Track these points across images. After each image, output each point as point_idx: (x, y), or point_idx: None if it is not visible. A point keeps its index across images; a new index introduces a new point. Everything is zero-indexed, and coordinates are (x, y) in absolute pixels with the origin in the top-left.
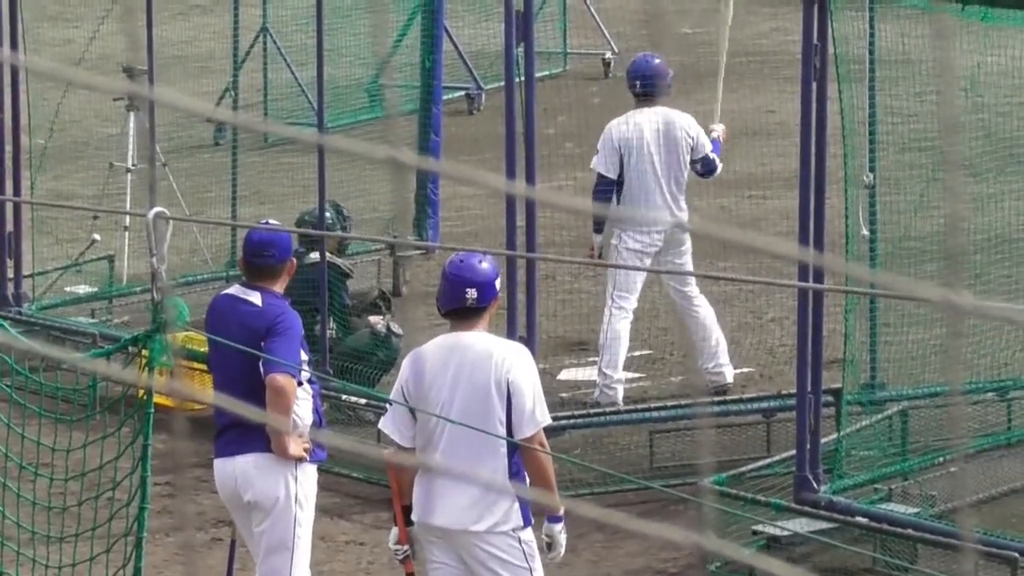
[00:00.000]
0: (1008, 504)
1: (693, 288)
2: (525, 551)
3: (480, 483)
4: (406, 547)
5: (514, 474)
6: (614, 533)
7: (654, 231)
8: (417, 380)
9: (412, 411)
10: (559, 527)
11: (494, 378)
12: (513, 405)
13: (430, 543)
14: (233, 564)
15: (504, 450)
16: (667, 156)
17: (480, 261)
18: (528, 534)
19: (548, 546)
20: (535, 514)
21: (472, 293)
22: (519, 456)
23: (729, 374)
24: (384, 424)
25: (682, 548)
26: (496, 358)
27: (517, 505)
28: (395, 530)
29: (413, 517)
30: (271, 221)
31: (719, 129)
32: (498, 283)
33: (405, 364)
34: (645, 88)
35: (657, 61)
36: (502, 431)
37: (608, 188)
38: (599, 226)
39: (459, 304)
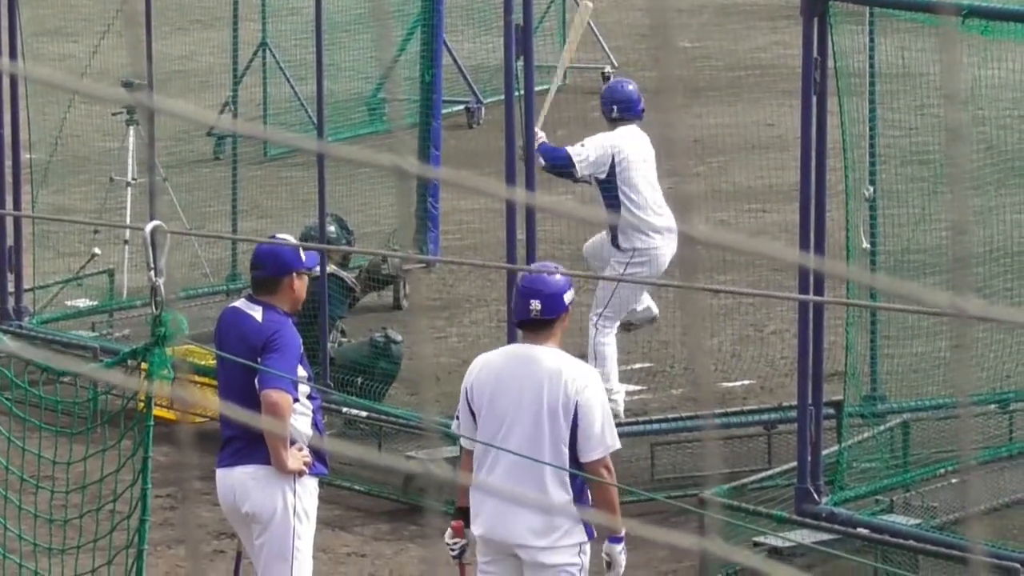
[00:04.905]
0: (1009, 515)
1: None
2: (584, 563)
3: (540, 506)
4: (463, 540)
5: (578, 491)
6: None
7: (663, 257)
8: (480, 387)
9: (474, 417)
10: (620, 547)
11: (562, 398)
12: (580, 427)
13: (486, 555)
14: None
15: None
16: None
17: (553, 274)
18: (588, 547)
19: (607, 565)
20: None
21: (536, 305)
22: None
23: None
24: (455, 428)
25: (684, 560)
26: (566, 377)
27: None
28: (450, 528)
29: (473, 530)
30: (280, 235)
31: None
32: (567, 296)
33: (471, 370)
34: (623, 112)
35: (631, 87)
36: (565, 451)
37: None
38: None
39: (524, 316)
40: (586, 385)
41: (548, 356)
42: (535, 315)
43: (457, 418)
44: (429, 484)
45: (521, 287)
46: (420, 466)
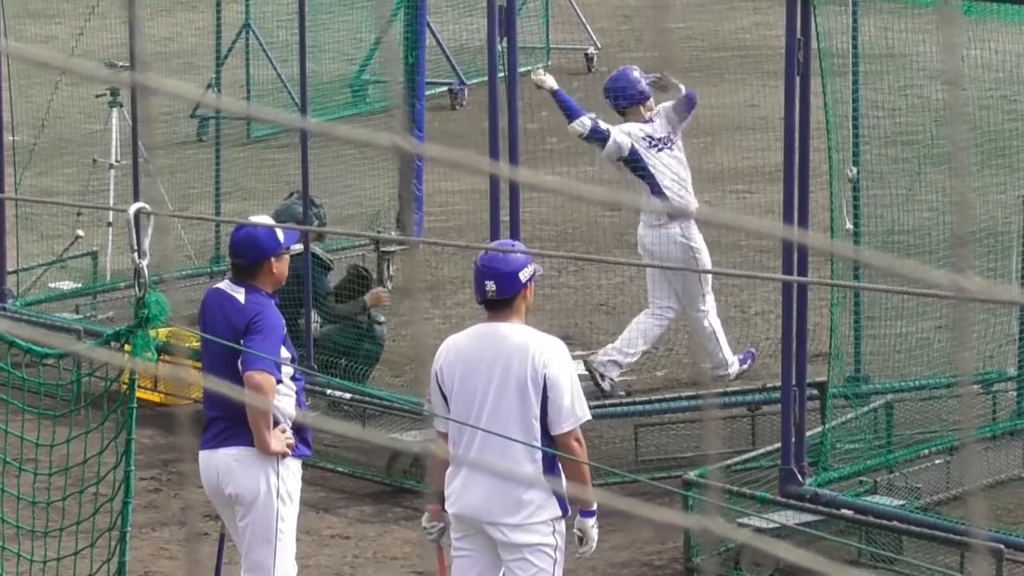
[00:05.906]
0: (993, 496)
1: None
2: (558, 542)
3: (514, 479)
4: (440, 524)
5: (549, 466)
6: (599, 526)
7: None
8: (450, 369)
9: (445, 399)
10: (591, 521)
11: (530, 373)
12: (550, 400)
13: (459, 532)
14: (222, 558)
15: (538, 443)
16: None
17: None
18: (563, 524)
19: (580, 540)
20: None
21: (491, 285)
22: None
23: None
24: (428, 409)
25: (668, 542)
26: (533, 351)
27: (554, 495)
28: (427, 511)
29: (447, 508)
30: (254, 217)
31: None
32: (524, 274)
33: (439, 353)
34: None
35: (636, 73)
36: (536, 426)
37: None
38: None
39: (482, 296)
40: (553, 358)
41: (514, 332)
42: (491, 295)
43: (429, 401)
44: (418, 464)
45: (478, 267)
46: (418, 445)
